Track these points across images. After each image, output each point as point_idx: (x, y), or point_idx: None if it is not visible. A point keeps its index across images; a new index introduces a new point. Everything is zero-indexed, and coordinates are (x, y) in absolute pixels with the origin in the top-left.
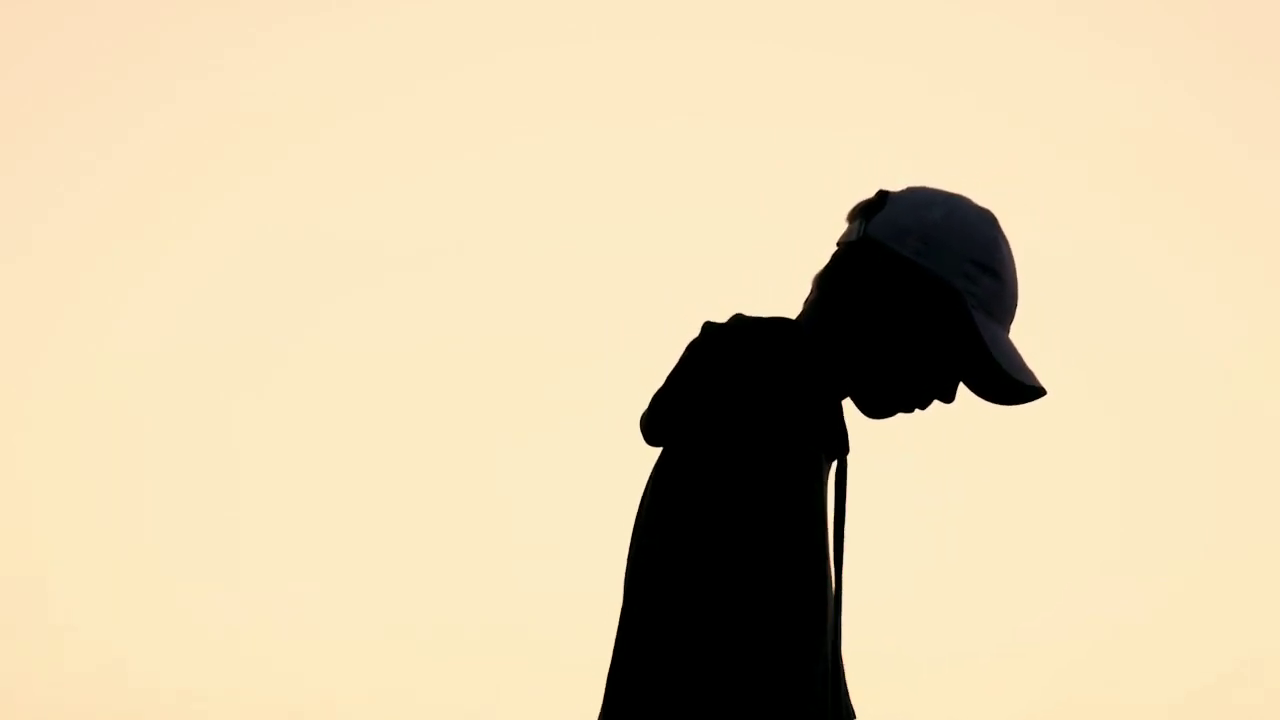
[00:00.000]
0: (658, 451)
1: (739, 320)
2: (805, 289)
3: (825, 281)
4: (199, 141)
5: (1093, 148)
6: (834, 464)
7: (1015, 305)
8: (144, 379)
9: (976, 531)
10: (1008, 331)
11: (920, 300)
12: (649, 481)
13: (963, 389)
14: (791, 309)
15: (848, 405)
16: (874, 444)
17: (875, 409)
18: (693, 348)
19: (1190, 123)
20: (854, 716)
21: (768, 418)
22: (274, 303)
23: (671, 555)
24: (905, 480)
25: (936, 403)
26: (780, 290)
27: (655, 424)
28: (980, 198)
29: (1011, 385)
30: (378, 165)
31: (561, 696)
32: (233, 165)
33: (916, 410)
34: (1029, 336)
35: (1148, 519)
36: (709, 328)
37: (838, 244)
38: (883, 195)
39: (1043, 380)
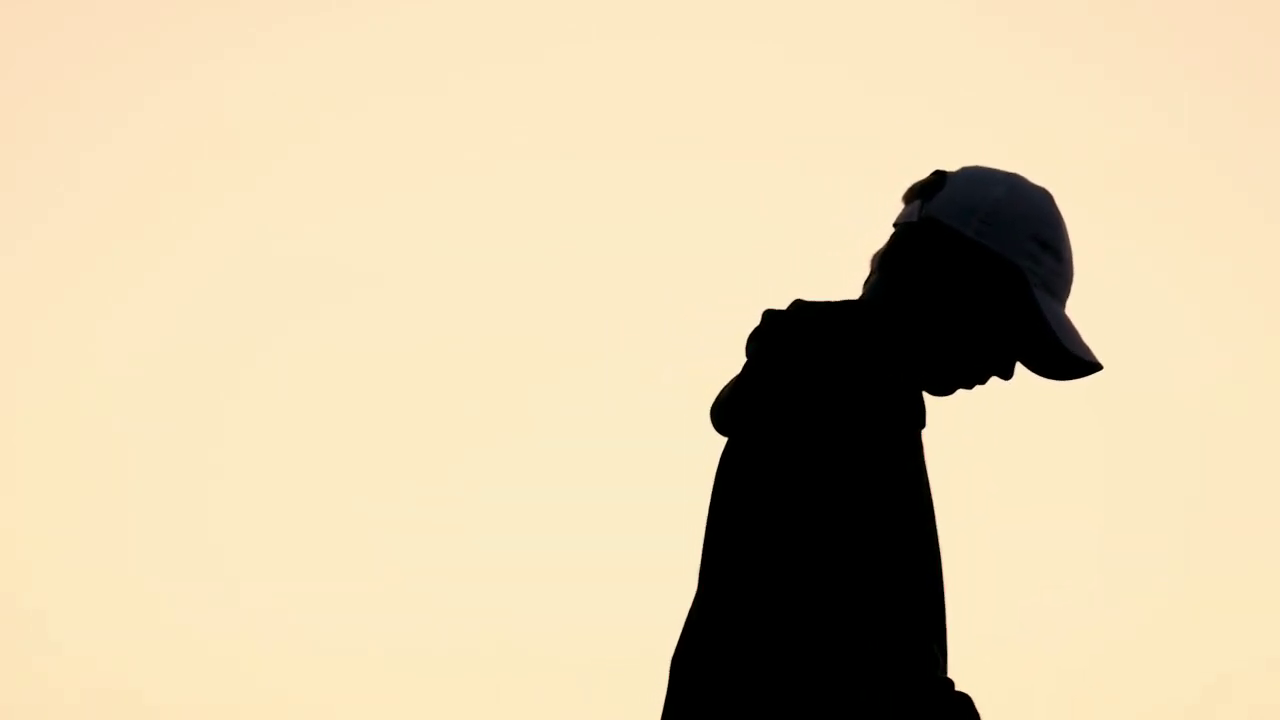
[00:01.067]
0: (656, 451)
1: (803, 305)
2: (805, 290)
3: (887, 262)
4: (189, 145)
5: (1074, 164)
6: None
7: (1072, 281)
8: (132, 385)
9: (962, 538)
10: (1064, 307)
11: (984, 279)
12: (719, 474)
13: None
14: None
15: None
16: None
17: (940, 386)
18: (759, 336)
19: (1169, 139)
20: None
21: (862, 402)
22: (267, 307)
23: (768, 555)
24: None
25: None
26: (782, 289)
27: (732, 412)
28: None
29: (1068, 361)
30: (373, 167)
31: (562, 697)
32: (224, 169)
33: (976, 386)
34: None
35: (1127, 532)
36: (771, 315)
37: (895, 224)
38: (940, 175)
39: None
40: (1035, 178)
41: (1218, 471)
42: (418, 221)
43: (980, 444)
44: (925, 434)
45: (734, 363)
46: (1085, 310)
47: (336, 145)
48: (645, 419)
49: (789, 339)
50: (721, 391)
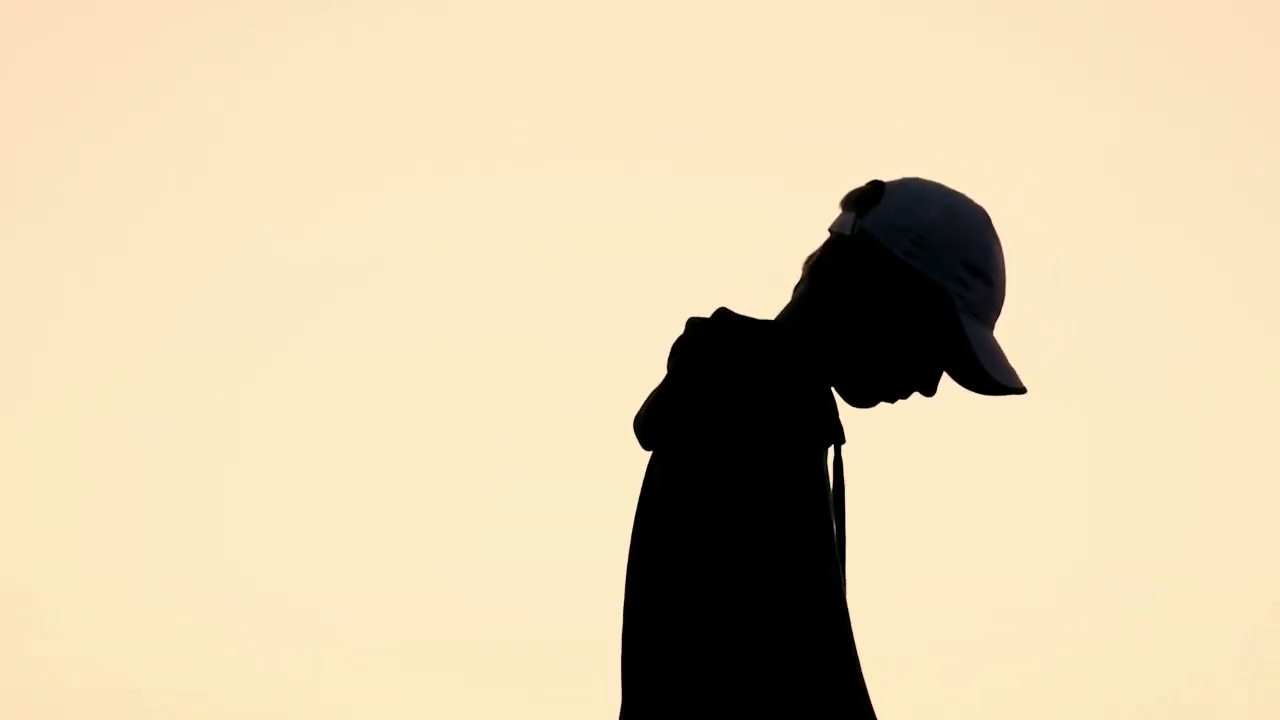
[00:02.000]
0: (652, 454)
1: (723, 315)
2: (791, 290)
3: (816, 272)
4: (191, 145)
5: (1061, 160)
6: (830, 457)
7: (1002, 305)
8: (134, 384)
9: (936, 537)
10: (993, 329)
11: (910, 301)
12: (643, 487)
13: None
14: (780, 308)
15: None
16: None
17: (859, 398)
18: (680, 346)
19: (1159, 135)
20: None
21: (760, 414)
22: (267, 306)
23: (678, 569)
24: (876, 483)
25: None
26: (769, 292)
27: (650, 427)
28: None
29: (987, 381)
30: (374, 168)
31: (563, 697)
32: (226, 168)
33: (898, 400)
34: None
35: (1109, 532)
36: (694, 324)
37: (830, 230)
38: (878, 187)
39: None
40: (1011, 168)
41: (1188, 473)
42: (416, 222)
43: (953, 447)
44: (848, 449)
45: None
46: (1067, 309)
47: (338, 146)
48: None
49: (706, 352)
50: (642, 405)
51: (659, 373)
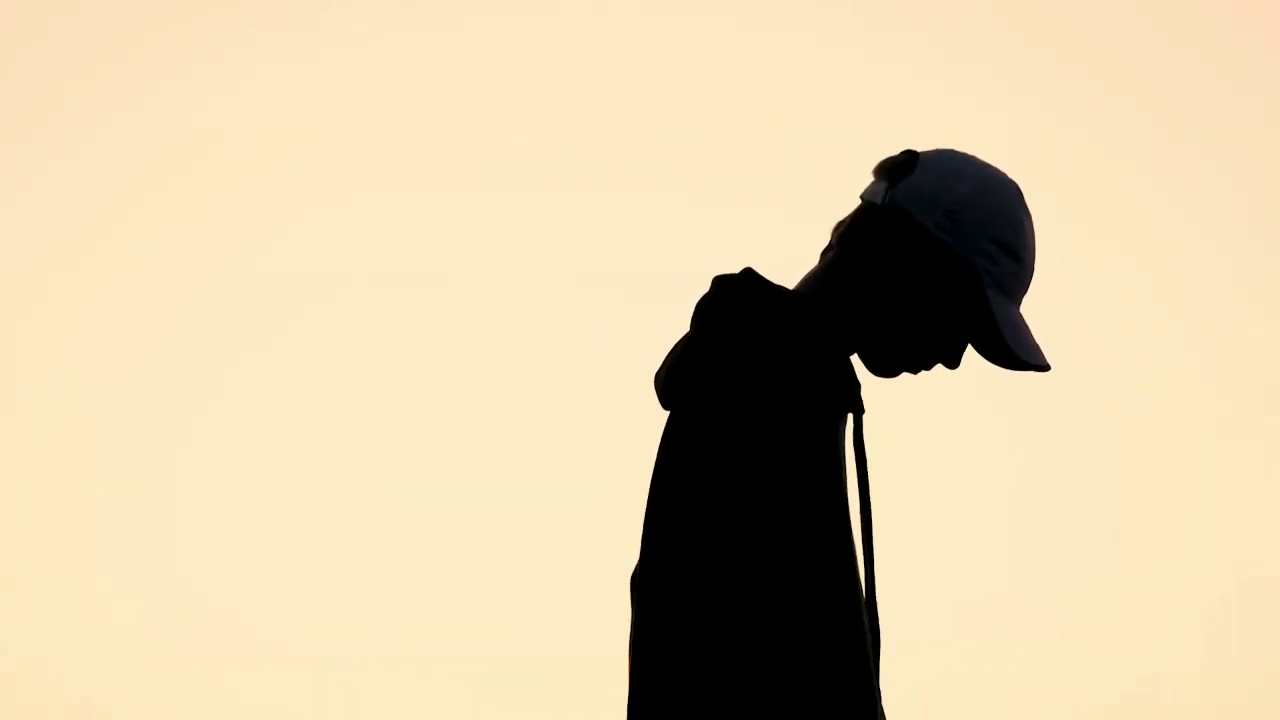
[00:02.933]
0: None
1: (749, 275)
2: (818, 254)
3: (845, 240)
4: (187, 142)
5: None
6: (850, 429)
7: (1030, 281)
8: (110, 386)
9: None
10: (1019, 306)
11: (938, 274)
12: (660, 448)
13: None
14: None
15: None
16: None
17: (882, 368)
18: (705, 305)
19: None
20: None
21: (779, 380)
22: (257, 309)
23: (687, 532)
24: None
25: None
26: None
27: (669, 386)
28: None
29: (1010, 357)
30: (367, 171)
31: (563, 696)
32: (220, 168)
33: (921, 371)
34: None
35: (1042, 533)
36: (720, 281)
37: (861, 198)
38: (912, 157)
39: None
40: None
41: (1130, 472)
42: (416, 221)
43: (898, 442)
44: (867, 421)
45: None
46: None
47: (329, 149)
48: (645, 418)
49: (729, 314)
50: (663, 362)
51: (653, 372)
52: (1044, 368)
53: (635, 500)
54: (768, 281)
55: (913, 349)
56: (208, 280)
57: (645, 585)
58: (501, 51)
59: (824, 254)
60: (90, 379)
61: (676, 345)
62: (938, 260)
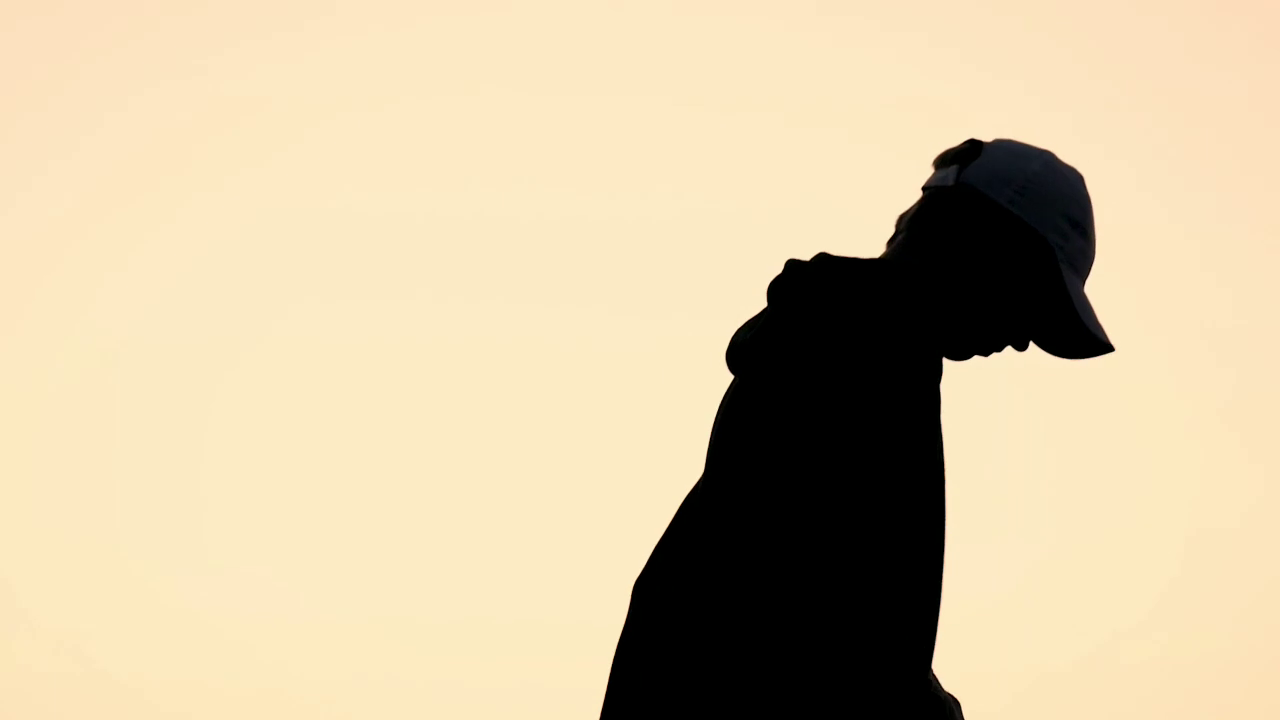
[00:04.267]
0: (656, 448)
1: (828, 258)
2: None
3: (916, 224)
4: (188, 129)
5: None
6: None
7: (1094, 262)
8: (118, 369)
9: None
10: (1084, 286)
11: (1014, 249)
12: (725, 417)
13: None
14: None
15: None
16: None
17: (955, 350)
18: (783, 285)
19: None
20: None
21: (890, 357)
22: (256, 295)
23: (763, 510)
24: None
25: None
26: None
27: (751, 354)
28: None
29: (1083, 339)
30: (369, 163)
31: (562, 696)
32: (218, 156)
33: (991, 354)
34: None
35: (1000, 493)
36: (795, 265)
37: (925, 188)
38: (976, 144)
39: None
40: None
41: (1085, 431)
42: (415, 221)
43: None
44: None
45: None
46: None
47: (332, 141)
48: (647, 417)
49: (817, 288)
50: (738, 332)
51: (651, 370)
52: (1109, 348)
53: (636, 499)
54: (846, 260)
55: (987, 327)
56: (245, 245)
57: (661, 587)
58: (502, 51)
59: (890, 241)
60: (92, 362)
61: (755, 318)
62: (1013, 235)
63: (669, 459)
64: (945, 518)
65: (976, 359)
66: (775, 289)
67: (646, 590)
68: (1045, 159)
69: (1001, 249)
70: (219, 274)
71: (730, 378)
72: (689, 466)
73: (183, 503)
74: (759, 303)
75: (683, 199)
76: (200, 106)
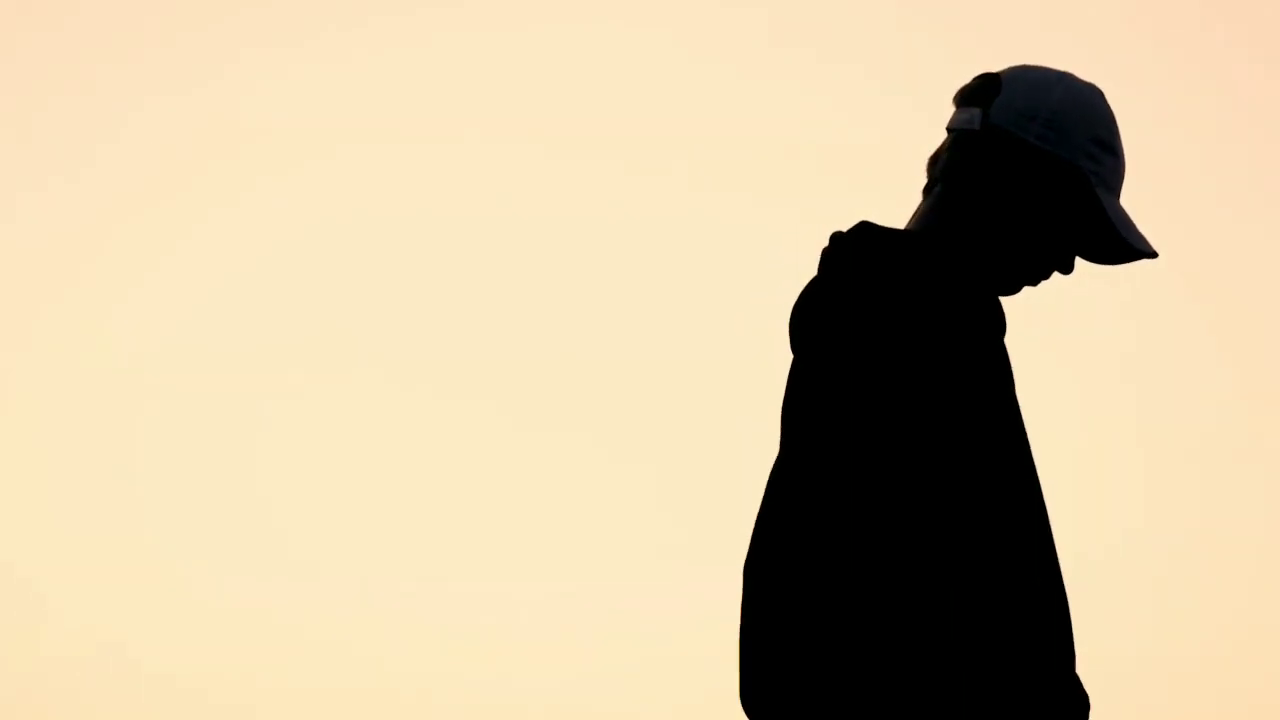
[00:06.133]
0: (657, 448)
1: (870, 226)
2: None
3: (949, 172)
4: (203, 143)
5: None
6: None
7: (1125, 172)
8: (142, 377)
9: None
10: (1119, 199)
11: (1050, 184)
12: (794, 396)
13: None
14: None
15: None
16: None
17: (1005, 286)
18: (831, 256)
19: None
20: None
21: (947, 313)
22: (280, 301)
23: (852, 488)
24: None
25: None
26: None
27: (805, 328)
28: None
29: (1125, 251)
30: (372, 172)
31: (564, 695)
32: (233, 170)
33: (1040, 283)
34: None
35: None
36: (838, 237)
37: (950, 129)
38: (993, 78)
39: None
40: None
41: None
42: (415, 221)
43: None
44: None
45: (730, 365)
46: None
47: (340, 152)
48: (647, 417)
49: (865, 255)
50: (798, 310)
51: (647, 371)
52: (1152, 254)
53: (636, 498)
54: (888, 229)
55: (1033, 261)
56: (285, 245)
57: (764, 564)
58: (502, 51)
59: (926, 191)
60: (126, 360)
61: (805, 292)
62: (1046, 170)
63: (669, 459)
64: (1030, 457)
65: (1026, 290)
66: (826, 260)
67: (759, 571)
68: (1065, 83)
69: (1038, 185)
70: (261, 276)
71: (789, 356)
72: (689, 467)
73: (215, 506)
74: (760, 303)
75: (683, 198)
76: (220, 121)
